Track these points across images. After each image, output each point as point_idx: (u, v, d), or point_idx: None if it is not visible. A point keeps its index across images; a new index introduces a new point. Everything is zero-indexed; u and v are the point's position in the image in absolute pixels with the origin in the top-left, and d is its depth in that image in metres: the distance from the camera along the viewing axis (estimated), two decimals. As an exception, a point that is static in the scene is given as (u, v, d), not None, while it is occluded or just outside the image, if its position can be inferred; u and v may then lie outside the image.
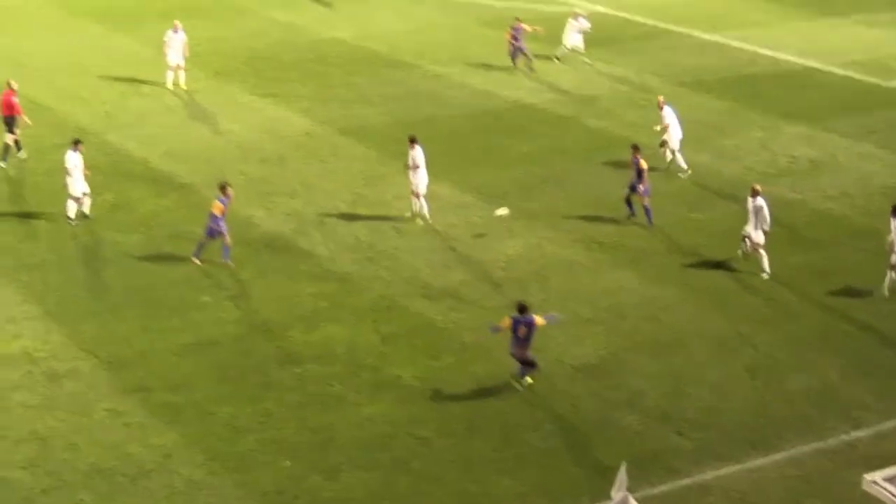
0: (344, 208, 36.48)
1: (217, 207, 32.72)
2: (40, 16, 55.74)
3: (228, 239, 32.76)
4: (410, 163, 35.46)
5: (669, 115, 39.68)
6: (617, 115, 44.65)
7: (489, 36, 54.35)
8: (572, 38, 50.63)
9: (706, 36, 54.95)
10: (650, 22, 56.23)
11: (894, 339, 30.02)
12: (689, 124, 43.46)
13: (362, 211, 36.40)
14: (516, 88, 47.33)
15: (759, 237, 32.71)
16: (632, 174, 35.83)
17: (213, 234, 32.85)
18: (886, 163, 41.08)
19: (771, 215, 32.54)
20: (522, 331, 27.08)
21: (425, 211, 35.66)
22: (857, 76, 49.54)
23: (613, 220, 36.09)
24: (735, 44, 53.27)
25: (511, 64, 49.78)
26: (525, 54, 49.61)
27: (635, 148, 35.98)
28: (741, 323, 30.56)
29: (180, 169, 39.17)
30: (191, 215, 35.76)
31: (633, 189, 35.79)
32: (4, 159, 38.77)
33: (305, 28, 55.00)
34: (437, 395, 27.34)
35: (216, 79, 47.91)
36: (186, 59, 46.76)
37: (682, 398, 27.40)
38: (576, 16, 51.12)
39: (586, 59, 50.17)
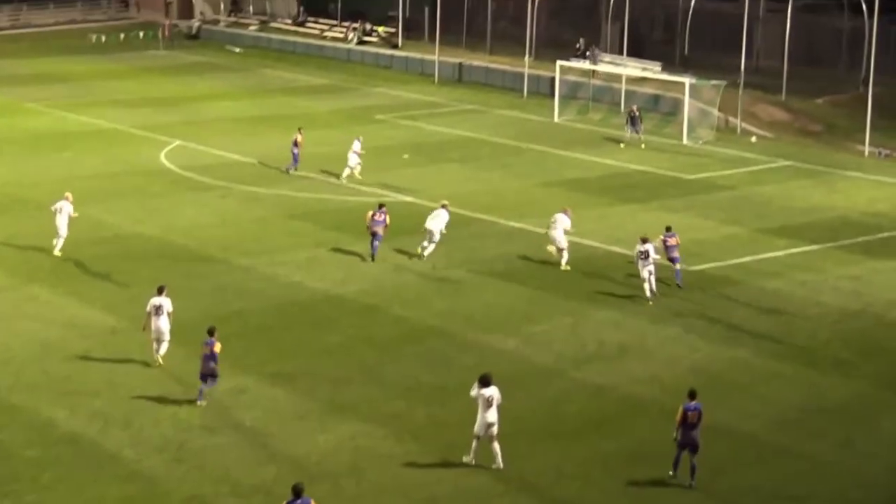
0: (150, 407, 35.60)
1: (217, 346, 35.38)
2: None
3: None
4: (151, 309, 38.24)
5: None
6: (424, 303, 44.73)
7: (295, 227, 54.36)
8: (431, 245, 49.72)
9: (512, 223, 55.70)
10: (458, 211, 56.76)
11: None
12: (500, 311, 43.85)
13: (169, 410, 35.58)
14: (322, 279, 47.17)
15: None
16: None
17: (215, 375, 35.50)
18: (693, 347, 41.66)
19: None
20: None
21: (162, 352, 38.52)
22: (662, 261, 50.45)
23: (426, 410, 35.90)
24: (540, 230, 53.96)
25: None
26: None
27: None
28: (557, 511, 30.48)
29: (-22, 370, 37.98)
30: (-12, 417, 34.66)
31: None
32: None
33: (111, 223, 54.32)
34: None
35: (14, 277, 46.85)
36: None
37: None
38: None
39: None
